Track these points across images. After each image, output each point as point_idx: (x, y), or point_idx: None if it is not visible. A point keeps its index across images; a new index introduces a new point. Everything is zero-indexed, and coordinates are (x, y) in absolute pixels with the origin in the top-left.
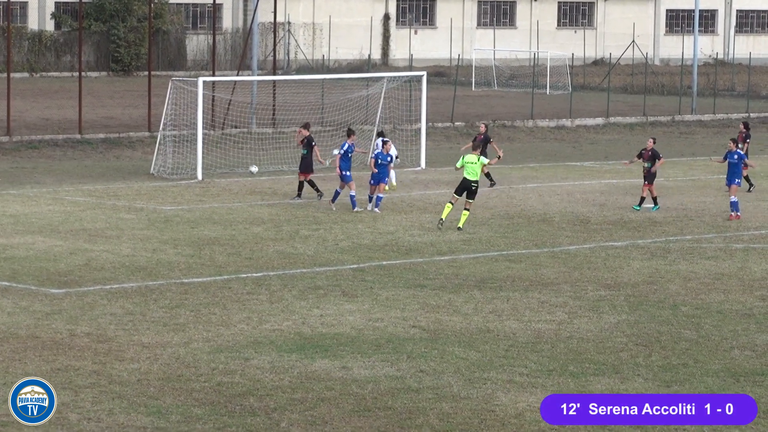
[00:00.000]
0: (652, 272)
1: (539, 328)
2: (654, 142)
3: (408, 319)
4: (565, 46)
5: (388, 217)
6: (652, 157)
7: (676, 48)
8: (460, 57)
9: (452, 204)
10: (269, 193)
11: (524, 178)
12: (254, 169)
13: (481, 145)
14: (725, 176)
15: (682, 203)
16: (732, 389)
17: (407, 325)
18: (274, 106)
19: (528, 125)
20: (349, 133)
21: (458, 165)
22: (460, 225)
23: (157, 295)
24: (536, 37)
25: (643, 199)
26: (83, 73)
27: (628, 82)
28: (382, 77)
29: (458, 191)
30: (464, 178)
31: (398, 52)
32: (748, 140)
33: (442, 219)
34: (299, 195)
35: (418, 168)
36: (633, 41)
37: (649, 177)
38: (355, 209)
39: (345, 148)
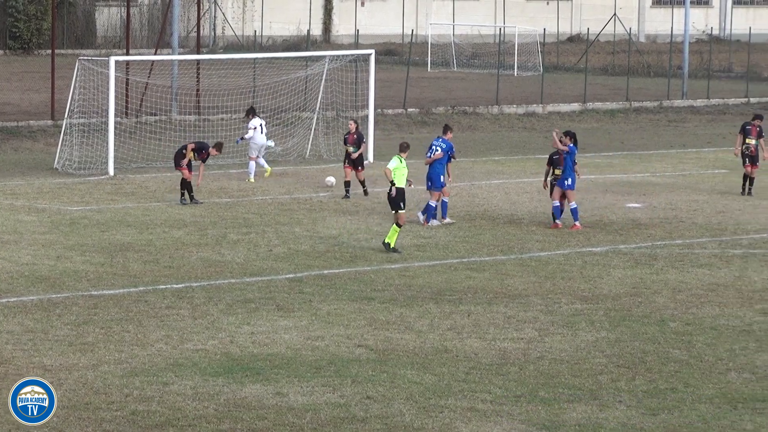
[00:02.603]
0: (636, 282)
1: (505, 347)
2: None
3: (353, 338)
4: (536, 20)
5: (329, 219)
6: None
7: (665, 23)
8: (414, 33)
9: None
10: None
11: (488, 173)
12: (331, 180)
13: (357, 145)
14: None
15: (671, 202)
16: (728, 417)
17: (352, 344)
18: (198, 90)
19: (493, 112)
20: (446, 129)
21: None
22: (391, 244)
23: (62, 309)
24: (502, 10)
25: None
26: None
27: (609, 61)
28: (324, 56)
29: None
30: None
31: (342, 27)
32: (763, 136)
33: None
34: (192, 197)
35: (366, 162)
36: (614, 14)
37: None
38: (432, 222)
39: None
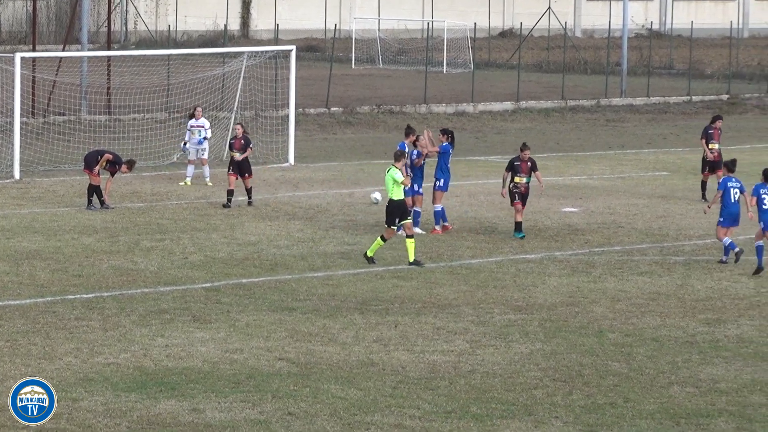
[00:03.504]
0: (572, 291)
1: (434, 360)
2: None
3: (273, 350)
4: (466, 15)
5: (248, 225)
6: (531, 169)
7: (602, 17)
8: (337, 28)
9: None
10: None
11: None
12: (377, 196)
13: (243, 150)
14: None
15: (610, 206)
16: None
17: (272, 357)
18: (108, 88)
19: (421, 111)
20: (408, 132)
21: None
22: (410, 258)
23: None
24: (430, 4)
25: (520, 224)
26: None
27: (543, 58)
28: (242, 52)
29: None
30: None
31: (261, 21)
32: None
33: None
34: (102, 202)
35: (286, 164)
36: (549, 8)
37: (525, 196)
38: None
39: (413, 156)
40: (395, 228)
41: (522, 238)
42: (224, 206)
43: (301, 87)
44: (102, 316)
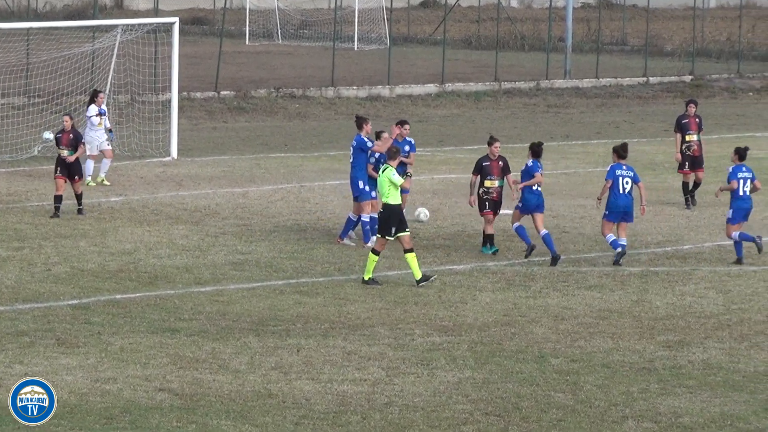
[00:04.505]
0: (508, 309)
1: (344, 390)
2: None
3: (153, 379)
4: None
5: (122, 231)
6: (504, 170)
7: None
8: None
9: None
10: None
11: (322, 172)
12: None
13: (74, 147)
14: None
15: (552, 208)
16: None
17: (152, 387)
18: None
19: (327, 95)
20: (361, 122)
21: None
22: (416, 275)
23: None
24: None
25: (491, 237)
26: None
27: (473, 32)
28: (115, 26)
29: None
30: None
31: None
32: (702, 128)
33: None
34: None
35: (167, 158)
36: None
37: (498, 203)
38: (369, 244)
39: (356, 145)
40: (390, 238)
41: (495, 253)
42: (53, 216)
43: (185, 67)
44: None
